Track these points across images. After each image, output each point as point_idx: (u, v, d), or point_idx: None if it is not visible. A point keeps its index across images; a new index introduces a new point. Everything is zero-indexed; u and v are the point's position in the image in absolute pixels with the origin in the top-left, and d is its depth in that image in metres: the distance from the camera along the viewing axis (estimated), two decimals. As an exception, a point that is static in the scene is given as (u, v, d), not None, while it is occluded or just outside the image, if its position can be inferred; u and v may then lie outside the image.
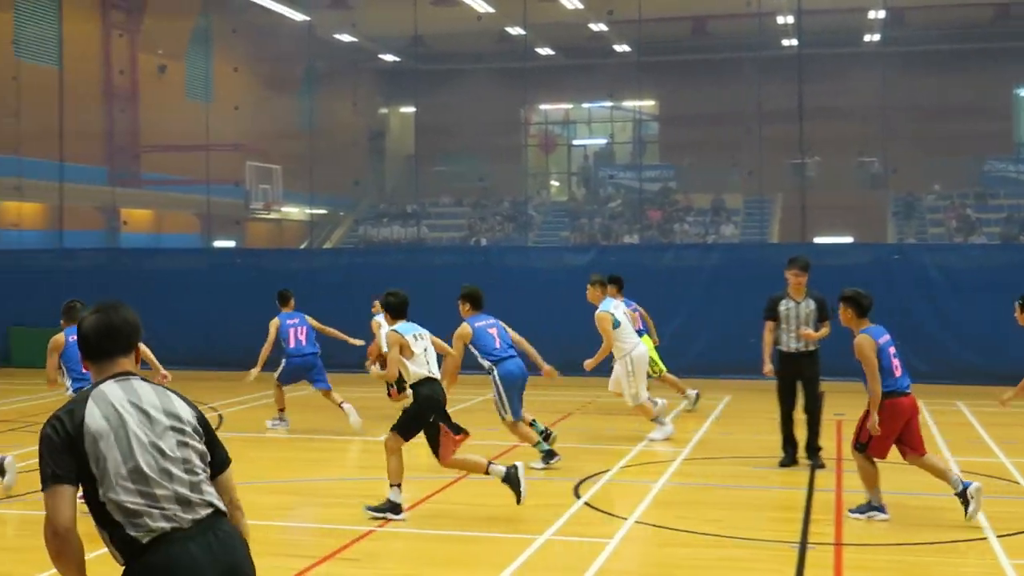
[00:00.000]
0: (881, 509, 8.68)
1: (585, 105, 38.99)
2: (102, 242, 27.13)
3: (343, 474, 11.50)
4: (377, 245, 32.15)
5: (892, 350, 8.60)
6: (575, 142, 39.48)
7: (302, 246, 32.37)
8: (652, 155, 37.46)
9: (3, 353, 22.94)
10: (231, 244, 31.07)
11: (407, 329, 9.00)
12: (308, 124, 30.72)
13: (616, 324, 12.20)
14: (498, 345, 10.89)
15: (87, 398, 3.60)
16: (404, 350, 8.85)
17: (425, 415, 8.90)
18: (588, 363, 11.93)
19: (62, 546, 3.46)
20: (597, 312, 12.28)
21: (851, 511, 8.83)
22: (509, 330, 11.23)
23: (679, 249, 22.50)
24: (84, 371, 11.26)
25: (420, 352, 8.92)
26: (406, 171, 36.67)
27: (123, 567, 3.53)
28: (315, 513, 9.51)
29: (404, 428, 8.93)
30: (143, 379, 3.71)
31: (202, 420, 3.73)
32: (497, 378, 10.80)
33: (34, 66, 26.92)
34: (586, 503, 9.45)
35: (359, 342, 14.47)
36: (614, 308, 12.30)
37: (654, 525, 8.64)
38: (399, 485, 8.85)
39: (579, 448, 12.19)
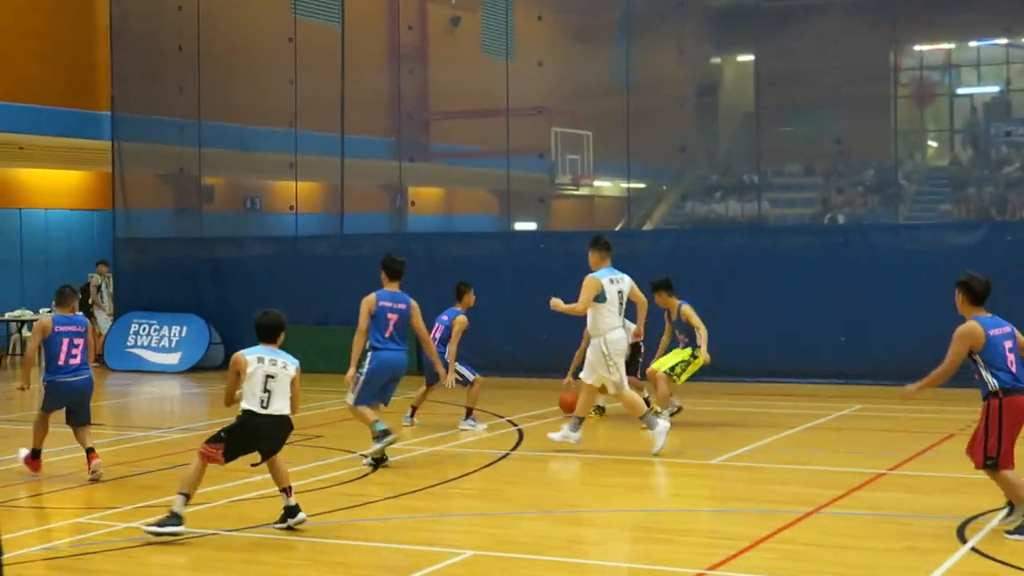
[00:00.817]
0: None
1: (972, 44, 37.24)
2: (386, 226, 28.13)
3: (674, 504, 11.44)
4: (708, 224, 31.86)
5: (1008, 344, 9.42)
6: (959, 91, 37.79)
7: (617, 227, 32.48)
8: (1061, 105, 35.44)
9: (278, 355, 24.14)
10: (533, 226, 31.58)
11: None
12: (624, 80, 30.80)
13: (602, 298, 13.49)
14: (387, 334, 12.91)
15: None
16: None
17: None
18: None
19: None
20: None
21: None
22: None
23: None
24: (60, 363, 12.14)
25: None
26: (743, 133, 36.12)
27: None
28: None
29: None
30: None
31: None
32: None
33: (314, 24, 28.17)
34: (974, 549, 9.06)
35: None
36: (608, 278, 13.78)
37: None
38: None
39: (962, 479, 11.72)
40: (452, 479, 12.23)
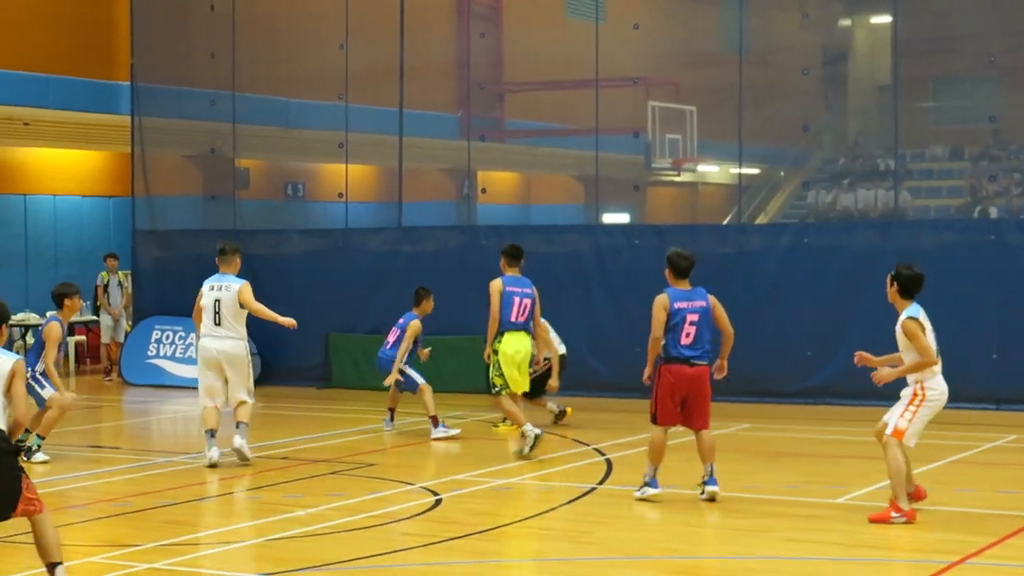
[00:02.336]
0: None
1: None
2: (452, 217, 28.23)
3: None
4: (835, 218, 31.70)
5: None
6: None
7: (726, 220, 32.38)
8: None
9: (324, 369, 24.36)
10: (626, 218, 31.57)
11: None
12: (737, 47, 30.70)
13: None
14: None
15: None
16: None
17: None
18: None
19: None
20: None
21: None
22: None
23: None
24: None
25: None
26: (878, 110, 35.90)
27: None
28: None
29: None
30: None
31: None
32: None
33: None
34: None
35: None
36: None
37: None
38: None
39: None
40: (528, 517, 12.28)
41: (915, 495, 12.13)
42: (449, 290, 22.84)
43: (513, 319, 16.24)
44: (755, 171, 34.90)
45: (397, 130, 25.83)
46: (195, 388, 16.19)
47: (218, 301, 15.45)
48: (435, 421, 17.77)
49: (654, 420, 13.11)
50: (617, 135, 29.85)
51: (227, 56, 26.51)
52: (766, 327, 20.96)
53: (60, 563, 8.82)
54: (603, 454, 16.19)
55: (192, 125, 27.58)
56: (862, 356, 12.45)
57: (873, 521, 11.77)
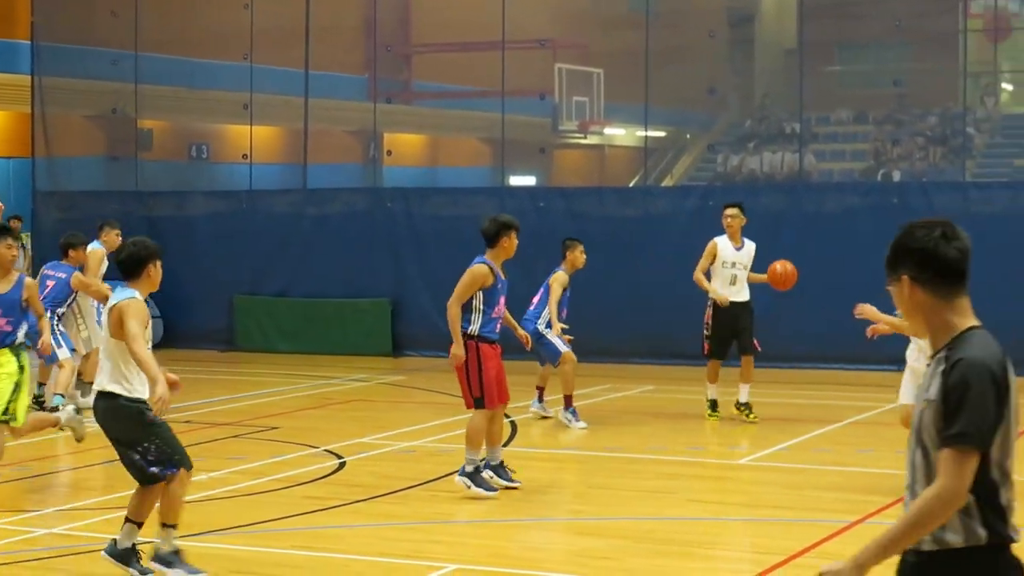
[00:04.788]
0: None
1: (1056, -33, 37.22)
2: (359, 179, 28.15)
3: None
4: (741, 180, 31.90)
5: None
6: (1040, 25, 37.75)
7: (632, 183, 32.51)
8: None
9: (228, 332, 24.20)
10: (532, 181, 31.59)
11: None
12: (644, 9, 30.74)
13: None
14: None
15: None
16: None
17: None
18: None
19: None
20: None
21: None
22: None
23: None
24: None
25: None
26: (784, 73, 36.10)
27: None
28: None
29: None
30: None
31: None
32: None
33: (271, -63, 28.06)
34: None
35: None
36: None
37: None
38: None
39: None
40: (433, 480, 12.28)
41: None
42: (354, 253, 22.79)
43: None
44: (661, 134, 35.03)
45: (303, 91, 25.67)
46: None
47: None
48: (568, 402, 15.40)
49: (480, 405, 11.45)
50: (524, 97, 29.85)
51: (129, 15, 26.17)
52: (672, 289, 21.03)
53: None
54: (507, 416, 16.21)
55: (94, 85, 27.23)
56: (864, 309, 11.42)
57: None
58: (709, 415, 15.80)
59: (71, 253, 16.33)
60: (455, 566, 9.29)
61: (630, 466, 13.10)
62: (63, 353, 15.38)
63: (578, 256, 15.51)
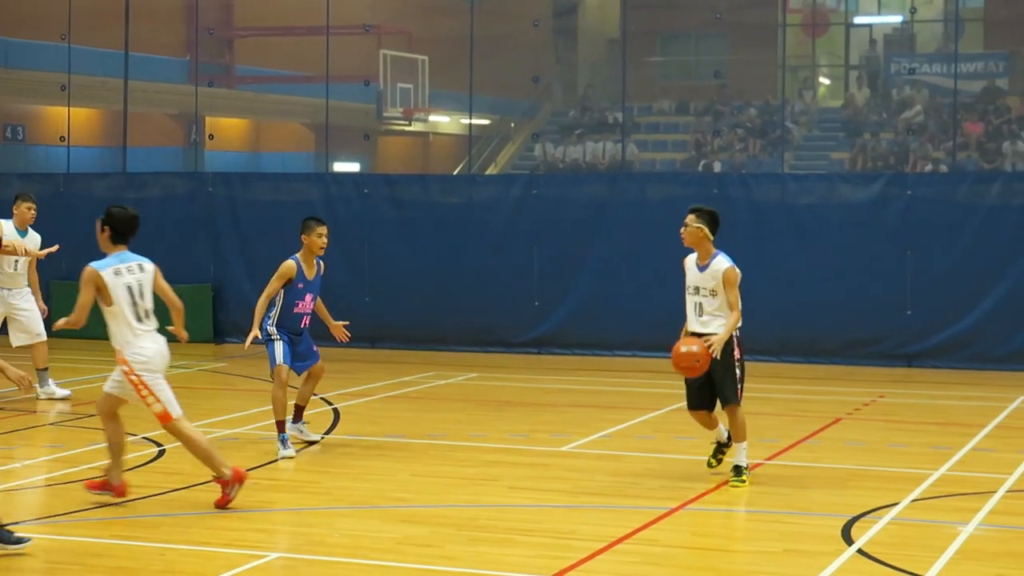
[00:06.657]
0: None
1: (873, -35, 38.00)
2: (179, 163, 27.81)
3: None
4: (564, 169, 32.10)
5: None
6: (856, 20, 38.52)
7: (456, 170, 32.56)
8: (973, 40, 36.27)
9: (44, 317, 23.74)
10: (356, 167, 31.47)
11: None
12: (469, -4, 30.79)
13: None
14: None
15: None
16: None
17: None
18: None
19: None
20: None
21: None
22: None
23: (1010, 179, 21.77)
24: None
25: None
26: (608, 63, 36.41)
27: None
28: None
29: None
30: None
31: None
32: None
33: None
34: (860, 551, 9.32)
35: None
36: None
37: (963, 586, 8.41)
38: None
39: (851, 471, 12.14)
40: (254, 468, 12.17)
41: None
42: (175, 238, 22.48)
43: None
44: (486, 122, 35.14)
45: (122, 73, 25.28)
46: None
47: None
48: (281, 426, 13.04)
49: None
50: (348, 83, 29.72)
51: (-62, -9, 25.59)
52: (495, 277, 21.15)
53: None
54: (330, 404, 16.14)
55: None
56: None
57: None
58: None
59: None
60: (276, 555, 9.24)
61: (452, 453, 13.12)
62: None
63: (314, 240, 13.01)
